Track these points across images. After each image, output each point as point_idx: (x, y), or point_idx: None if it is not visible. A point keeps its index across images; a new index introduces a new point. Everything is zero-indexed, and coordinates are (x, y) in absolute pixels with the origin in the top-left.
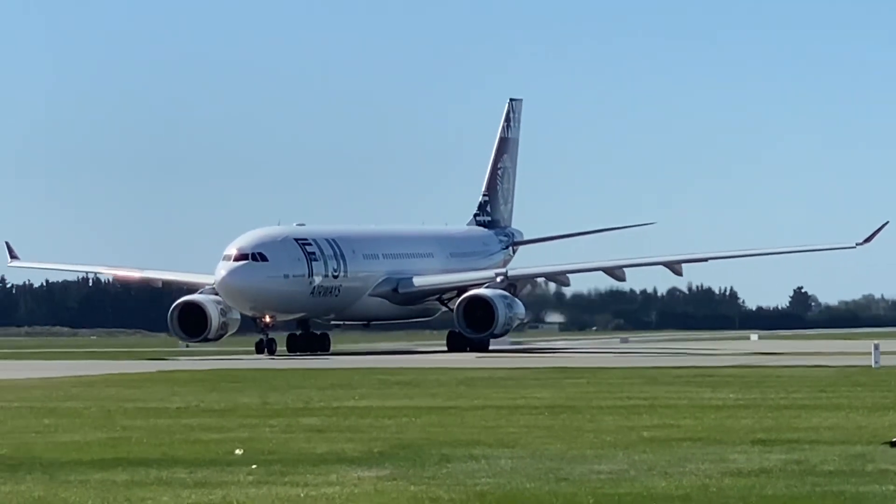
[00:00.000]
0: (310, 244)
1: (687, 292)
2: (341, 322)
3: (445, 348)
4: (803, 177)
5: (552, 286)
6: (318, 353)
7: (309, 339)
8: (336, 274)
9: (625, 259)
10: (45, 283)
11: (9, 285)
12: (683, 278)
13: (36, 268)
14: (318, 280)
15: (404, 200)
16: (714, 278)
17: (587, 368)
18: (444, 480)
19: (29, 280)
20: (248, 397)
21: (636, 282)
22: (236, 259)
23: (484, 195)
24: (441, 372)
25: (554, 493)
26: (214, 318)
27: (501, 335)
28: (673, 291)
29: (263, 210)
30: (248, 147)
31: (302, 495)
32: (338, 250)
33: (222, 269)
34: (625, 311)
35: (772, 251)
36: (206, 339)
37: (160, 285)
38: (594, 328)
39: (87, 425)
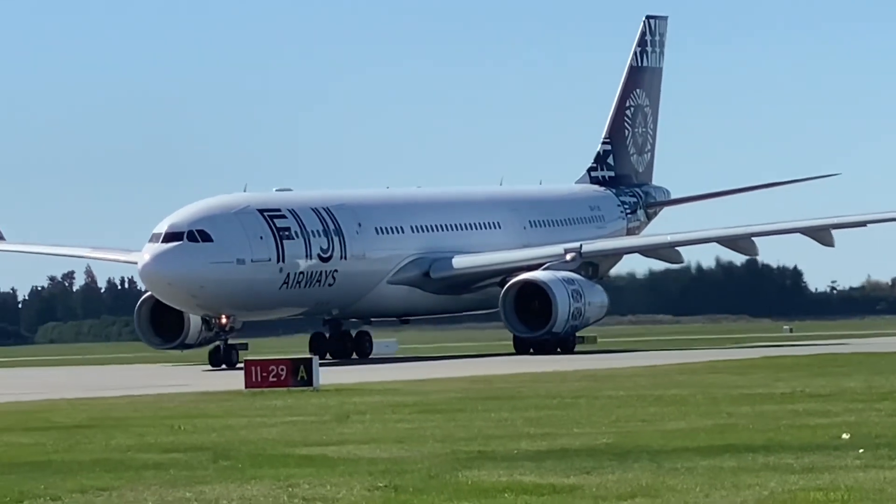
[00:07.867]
0: (283, 216)
1: None
2: (372, 319)
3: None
4: None
5: None
6: (355, 358)
7: (342, 342)
8: (326, 256)
9: (750, 226)
10: (647, 272)
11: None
12: None
13: (22, 251)
14: (302, 264)
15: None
16: None
17: None
18: None
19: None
20: (854, 381)
21: None
22: (166, 239)
23: (604, 142)
24: None
25: None
26: (193, 318)
27: (567, 334)
28: None
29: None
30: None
31: None
32: (331, 223)
33: (146, 253)
34: None
35: None
36: (185, 345)
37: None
38: None
39: (692, 412)
